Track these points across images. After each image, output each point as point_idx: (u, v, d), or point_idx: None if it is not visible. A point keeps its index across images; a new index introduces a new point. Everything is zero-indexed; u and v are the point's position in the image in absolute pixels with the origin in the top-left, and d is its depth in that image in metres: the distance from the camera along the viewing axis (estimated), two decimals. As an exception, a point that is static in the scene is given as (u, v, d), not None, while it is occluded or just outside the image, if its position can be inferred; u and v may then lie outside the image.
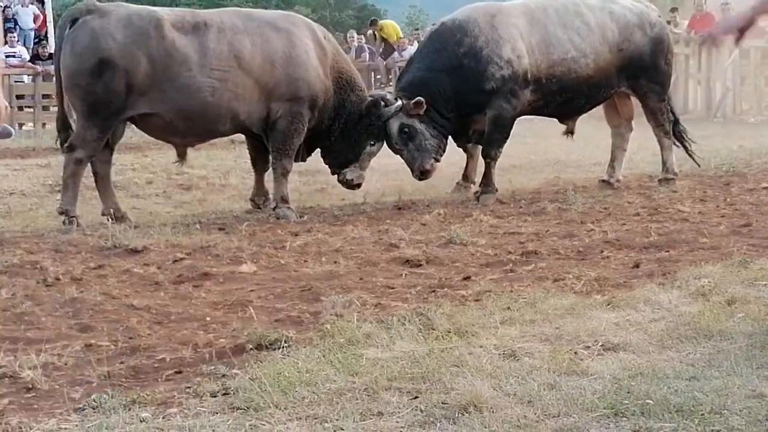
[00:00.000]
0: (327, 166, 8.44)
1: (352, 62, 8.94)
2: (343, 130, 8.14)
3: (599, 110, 9.32)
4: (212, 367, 4.04)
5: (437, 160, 8.38)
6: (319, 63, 7.97)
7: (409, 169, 8.48)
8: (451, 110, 8.37)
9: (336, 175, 8.34)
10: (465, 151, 9.13)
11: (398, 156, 8.54)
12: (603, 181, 9.14)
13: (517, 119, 8.70)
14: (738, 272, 5.36)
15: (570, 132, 9.17)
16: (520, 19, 8.56)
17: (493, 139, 8.49)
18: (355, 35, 20.98)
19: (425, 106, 8.12)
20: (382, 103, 8.16)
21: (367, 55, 19.82)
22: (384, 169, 9.61)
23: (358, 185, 8.26)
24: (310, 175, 9.94)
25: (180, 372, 4.06)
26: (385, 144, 8.32)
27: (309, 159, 8.45)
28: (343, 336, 4.32)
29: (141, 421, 3.44)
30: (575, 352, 4.11)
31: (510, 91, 8.39)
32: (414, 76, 8.46)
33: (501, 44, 8.38)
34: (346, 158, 8.21)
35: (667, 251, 6.14)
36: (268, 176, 8.23)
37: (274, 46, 7.82)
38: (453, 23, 8.60)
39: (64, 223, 7.43)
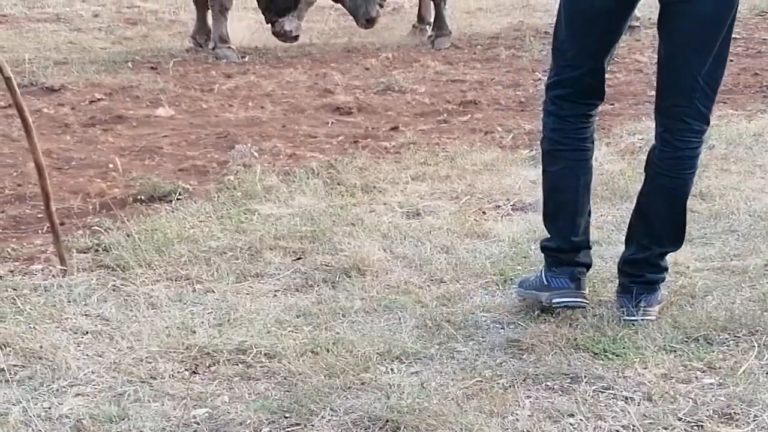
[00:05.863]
0: (262, 12, 7.67)
1: None
2: None
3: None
4: (97, 220, 3.79)
5: (381, 6, 7.85)
6: None
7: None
8: None
9: (271, 26, 7.55)
10: None
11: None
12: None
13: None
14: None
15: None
16: None
17: None
18: None
19: None
20: None
21: None
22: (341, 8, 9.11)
23: (296, 38, 7.53)
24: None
25: (62, 224, 3.80)
26: None
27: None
28: (242, 189, 4.07)
29: (-2, 278, 3.21)
30: (483, 212, 3.87)
31: None
32: None
33: None
34: (285, 4, 7.44)
35: (612, 104, 5.79)
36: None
37: None
38: None
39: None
